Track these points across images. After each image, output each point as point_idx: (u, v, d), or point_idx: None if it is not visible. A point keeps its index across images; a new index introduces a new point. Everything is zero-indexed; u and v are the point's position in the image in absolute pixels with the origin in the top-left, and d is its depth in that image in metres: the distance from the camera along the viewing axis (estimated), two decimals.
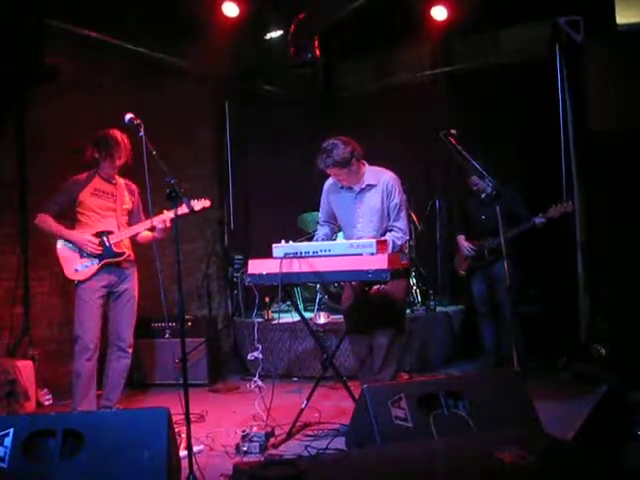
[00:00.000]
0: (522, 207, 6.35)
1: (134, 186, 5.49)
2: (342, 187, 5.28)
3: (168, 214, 5.09)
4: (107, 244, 5.21)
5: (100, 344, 5.23)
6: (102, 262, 5.20)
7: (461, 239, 6.77)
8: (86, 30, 6.57)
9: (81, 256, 5.20)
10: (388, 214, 5.19)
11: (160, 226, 5.14)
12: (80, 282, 5.19)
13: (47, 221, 5.23)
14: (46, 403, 6.14)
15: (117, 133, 5.21)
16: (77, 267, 5.19)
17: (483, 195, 6.56)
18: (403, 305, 5.36)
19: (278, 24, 7.51)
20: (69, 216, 5.33)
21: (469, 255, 6.64)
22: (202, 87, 8.19)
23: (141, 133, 4.29)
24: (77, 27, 6.47)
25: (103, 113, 6.35)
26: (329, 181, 5.40)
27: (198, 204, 5.04)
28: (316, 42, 7.23)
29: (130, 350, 5.35)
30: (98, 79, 6.87)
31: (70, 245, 5.20)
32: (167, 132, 6.93)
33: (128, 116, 4.37)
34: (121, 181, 5.45)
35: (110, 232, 5.24)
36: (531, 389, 4.31)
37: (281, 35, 7.55)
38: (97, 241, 5.17)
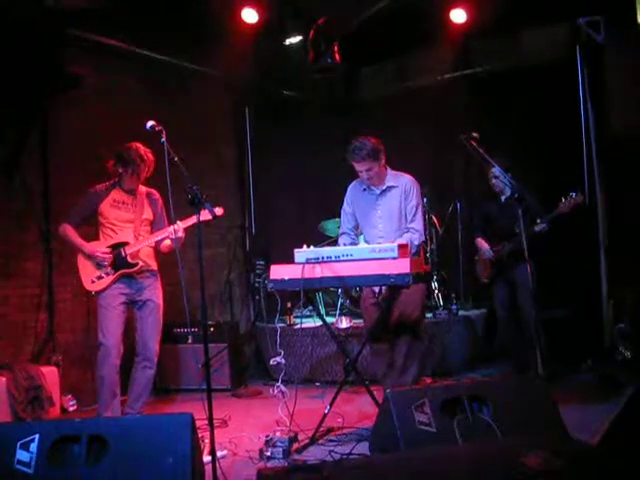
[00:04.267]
0: (538, 208, 6.23)
1: (157, 194, 5.47)
2: (364, 189, 5.36)
3: (181, 224, 5.07)
4: (122, 255, 5.22)
5: (124, 350, 5.25)
6: (117, 273, 5.22)
7: (480, 241, 6.70)
8: (107, 38, 6.63)
9: (97, 268, 5.23)
10: (405, 215, 5.25)
11: (172, 236, 5.11)
12: (97, 292, 5.23)
13: (68, 232, 5.29)
14: (70, 409, 6.19)
15: (141, 148, 5.21)
16: (93, 278, 5.23)
17: (503, 198, 6.55)
18: (421, 310, 5.35)
19: (298, 30, 7.51)
20: (94, 224, 5.38)
21: (490, 258, 6.58)
22: (223, 93, 8.24)
23: (163, 140, 4.31)
24: (99, 35, 6.54)
25: (124, 120, 6.41)
26: (350, 188, 5.48)
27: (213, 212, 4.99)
28: (336, 47, 7.23)
29: (155, 359, 5.33)
30: (119, 86, 6.93)
31: (87, 257, 5.24)
32: (188, 138, 6.98)
33: (150, 123, 4.39)
34: (143, 189, 5.43)
35: (126, 243, 5.25)
36: (555, 393, 4.27)
37: (301, 40, 7.55)
38: (107, 251, 5.20)
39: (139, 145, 5.22)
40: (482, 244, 6.66)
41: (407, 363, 5.16)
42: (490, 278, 6.67)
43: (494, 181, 6.49)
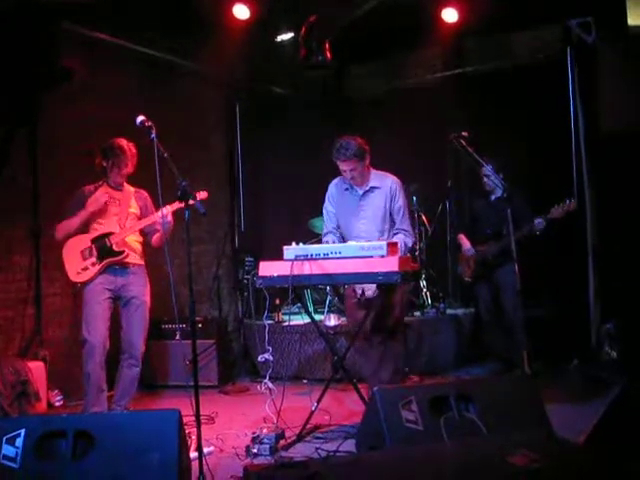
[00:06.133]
0: (527, 211, 6.25)
1: (145, 193, 5.49)
2: (347, 189, 5.34)
3: (169, 207, 5.04)
4: (108, 244, 5.21)
5: (110, 346, 5.23)
6: (103, 262, 5.19)
7: (462, 237, 6.71)
8: (99, 33, 6.59)
9: (83, 258, 5.21)
10: (391, 216, 5.26)
11: (160, 220, 5.07)
12: (84, 284, 5.21)
13: (63, 225, 5.26)
14: (57, 404, 6.17)
15: (123, 141, 5.24)
16: (79, 269, 5.20)
17: (492, 197, 6.57)
18: (401, 309, 5.35)
19: (289, 27, 7.51)
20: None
21: (472, 255, 6.59)
22: (213, 89, 8.22)
23: (152, 135, 4.29)
24: (91, 30, 6.49)
25: (115, 115, 6.37)
26: (332, 186, 5.45)
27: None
28: (327, 44, 7.22)
29: (140, 358, 5.32)
30: (111, 81, 6.88)
31: (73, 248, 5.23)
32: (178, 134, 6.95)
33: (140, 118, 4.37)
34: (130, 189, 5.46)
35: (111, 233, 5.24)
36: (542, 392, 4.29)
37: (292, 37, 7.54)
38: (104, 191, 5.25)
39: (122, 139, 5.25)
40: (464, 241, 6.68)
41: (381, 360, 5.17)
42: (473, 277, 6.68)
43: (485, 180, 6.51)
